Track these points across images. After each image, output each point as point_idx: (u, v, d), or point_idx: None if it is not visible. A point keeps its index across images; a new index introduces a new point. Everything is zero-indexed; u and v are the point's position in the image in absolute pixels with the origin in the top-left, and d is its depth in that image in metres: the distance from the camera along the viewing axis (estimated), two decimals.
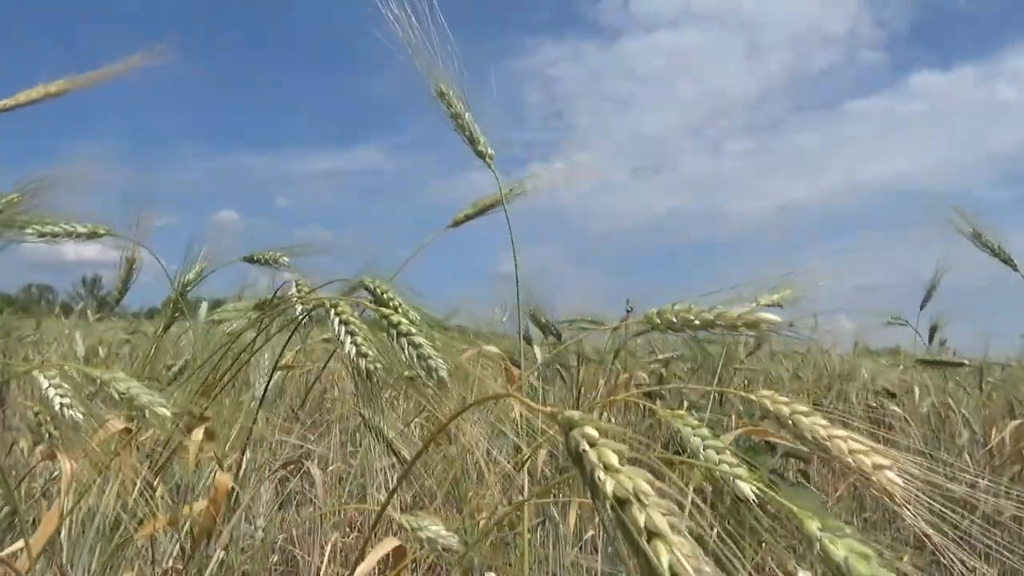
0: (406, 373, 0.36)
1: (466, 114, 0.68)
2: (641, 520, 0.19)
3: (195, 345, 0.70)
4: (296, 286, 0.49)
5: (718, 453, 0.36)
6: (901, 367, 1.83)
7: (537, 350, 1.10)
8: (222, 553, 0.83)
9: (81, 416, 0.37)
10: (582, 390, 1.49)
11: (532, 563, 1.13)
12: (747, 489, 0.34)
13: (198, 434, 0.53)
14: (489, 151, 0.69)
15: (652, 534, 0.18)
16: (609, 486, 0.20)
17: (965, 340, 1.53)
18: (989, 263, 1.02)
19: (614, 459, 0.20)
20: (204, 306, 1.14)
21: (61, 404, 0.37)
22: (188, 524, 0.60)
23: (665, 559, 0.18)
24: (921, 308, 1.45)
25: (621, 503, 0.19)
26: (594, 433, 0.21)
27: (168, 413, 0.38)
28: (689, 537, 0.18)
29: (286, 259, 0.70)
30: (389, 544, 0.54)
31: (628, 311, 1.38)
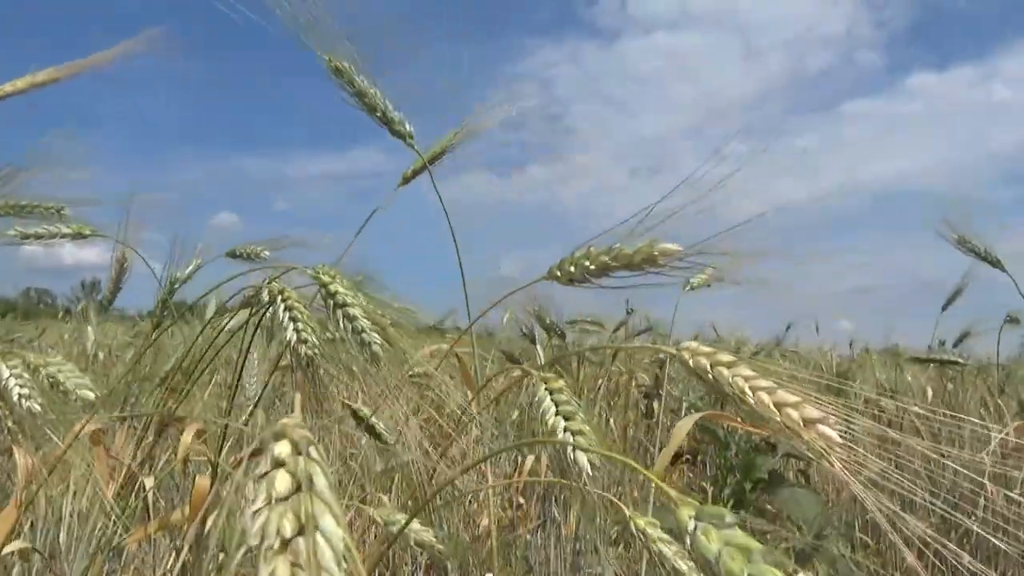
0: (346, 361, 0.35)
1: (372, 90, 0.59)
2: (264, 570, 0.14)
3: (185, 344, 0.69)
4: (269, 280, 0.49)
5: (567, 420, 0.32)
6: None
7: (540, 351, 1.10)
8: (221, 556, 0.83)
9: (39, 407, 0.36)
10: (583, 390, 1.49)
11: (534, 563, 1.13)
12: (583, 460, 0.30)
13: (188, 435, 0.53)
14: (408, 129, 0.61)
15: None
16: (259, 521, 0.15)
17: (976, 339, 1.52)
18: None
19: (286, 484, 0.16)
20: (212, 305, 1.13)
21: (19, 395, 0.36)
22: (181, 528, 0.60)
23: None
24: (943, 310, 1.46)
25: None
26: (283, 449, 0.16)
27: (92, 396, 0.37)
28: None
29: (266, 253, 0.69)
30: None
31: (628, 312, 1.38)
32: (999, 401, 1.46)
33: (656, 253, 0.32)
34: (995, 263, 1.03)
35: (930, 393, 1.60)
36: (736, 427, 1.18)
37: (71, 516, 0.63)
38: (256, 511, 0.15)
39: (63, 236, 0.59)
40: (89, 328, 1.57)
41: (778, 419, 0.27)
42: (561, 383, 0.35)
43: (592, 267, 0.35)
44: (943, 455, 0.29)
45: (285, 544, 0.14)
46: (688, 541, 0.20)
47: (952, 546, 0.25)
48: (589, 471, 0.31)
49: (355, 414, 0.74)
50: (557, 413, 0.33)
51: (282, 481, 0.16)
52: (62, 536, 0.65)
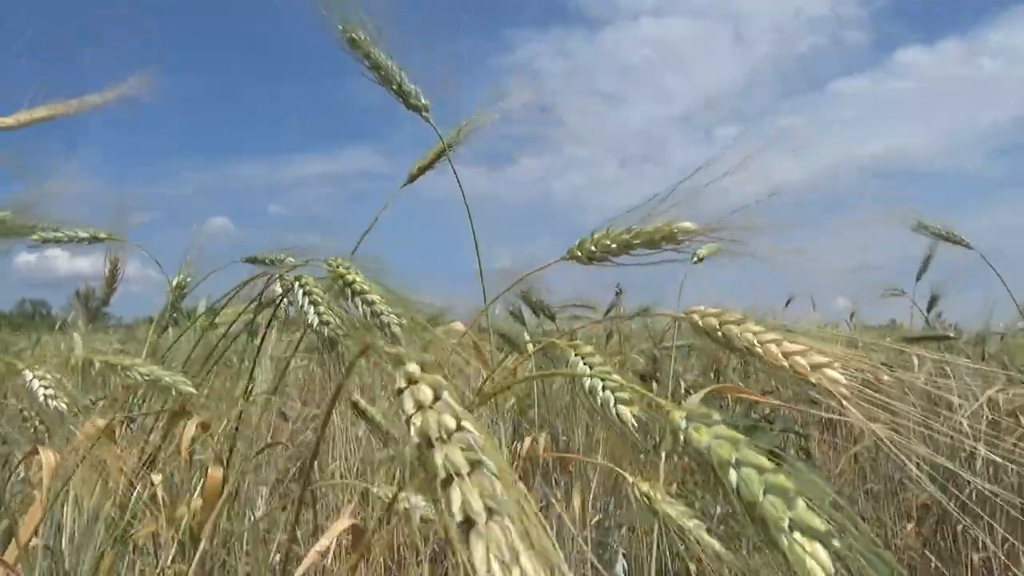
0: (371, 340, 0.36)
1: (389, 63, 0.59)
2: (439, 459, 0.17)
3: (190, 343, 0.70)
4: (278, 273, 0.49)
5: (603, 380, 0.34)
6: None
7: (525, 332, 1.09)
8: (224, 554, 0.83)
9: (65, 406, 0.37)
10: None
11: None
12: (627, 413, 0.32)
13: (191, 428, 0.53)
14: (423, 102, 0.61)
15: (450, 474, 0.17)
16: (415, 425, 0.18)
17: (963, 311, 1.53)
18: (986, 236, 1.04)
19: (428, 396, 0.19)
20: (202, 304, 1.13)
21: (45, 395, 0.37)
22: (186, 522, 0.60)
23: (456, 500, 0.16)
24: (917, 279, 1.45)
25: (427, 442, 0.18)
26: (415, 370, 0.20)
27: (193, 389, 0.39)
28: (496, 473, 0.17)
29: (291, 260, 0.69)
30: (343, 524, 0.52)
31: (617, 294, 1.39)
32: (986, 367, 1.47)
33: (675, 231, 0.34)
34: (959, 241, 1.05)
35: (916, 361, 1.62)
36: (736, 401, 1.18)
37: (74, 519, 0.63)
38: (408, 414, 0.19)
39: (80, 240, 0.61)
40: (76, 335, 1.57)
41: (787, 366, 0.28)
42: (590, 348, 0.36)
43: (613, 245, 0.37)
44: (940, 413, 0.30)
45: (441, 435, 0.18)
46: (681, 438, 0.23)
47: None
48: (634, 423, 0.32)
49: (357, 407, 0.74)
50: (592, 375, 0.35)
51: (428, 393, 0.19)
52: (69, 534, 0.65)
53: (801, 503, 0.19)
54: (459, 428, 0.18)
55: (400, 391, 0.19)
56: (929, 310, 1.46)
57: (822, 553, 0.19)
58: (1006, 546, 1.12)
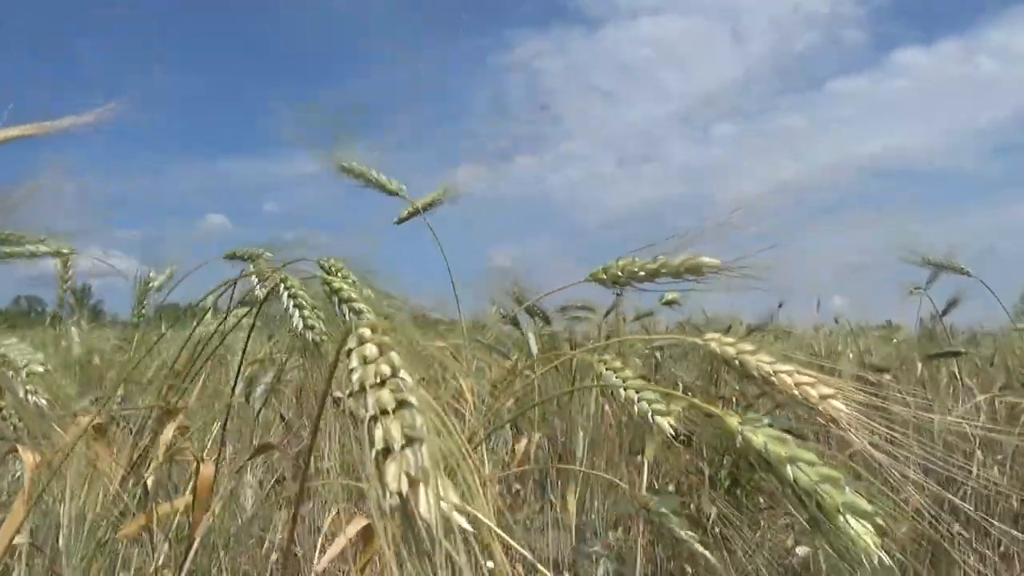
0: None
1: (371, 172, 0.73)
2: (371, 401, 0.18)
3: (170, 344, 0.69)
4: (254, 267, 0.49)
5: (638, 392, 0.36)
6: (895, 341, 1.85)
7: (531, 337, 1.09)
8: (221, 553, 0.82)
9: (45, 403, 0.36)
10: (576, 376, 1.49)
11: (536, 548, 1.13)
12: (664, 424, 0.35)
13: (169, 431, 0.52)
14: (400, 187, 0.75)
15: (380, 412, 0.18)
16: (356, 375, 0.19)
17: (961, 313, 1.54)
18: (985, 235, 1.04)
19: (373, 351, 0.20)
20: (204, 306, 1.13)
21: (26, 391, 0.36)
22: (175, 522, 0.60)
23: (379, 433, 0.17)
24: (928, 284, 1.46)
25: (363, 390, 0.19)
26: (366, 332, 0.21)
27: (41, 369, 0.37)
28: (422, 411, 0.18)
29: (269, 255, 0.68)
30: (359, 523, 0.53)
31: (617, 295, 1.38)
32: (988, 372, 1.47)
33: (700, 265, 0.38)
34: (960, 270, 1.06)
35: (919, 367, 1.61)
36: (730, 404, 1.19)
37: (67, 517, 0.63)
38: (352, 367, 0.20)
39: (44, 254, 0.60)
40: (74, 330, 1.55)
41: (798, 395, 0.32)
42: (620, 363, 0.40)
43: (641, 273, 0.40)
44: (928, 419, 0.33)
45: (379, 380, 0.19)
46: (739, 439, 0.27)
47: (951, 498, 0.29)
48: (671, 432, 0.35)
49: (337, 404, 0.74)
50: (626, 388, 0.38)
51: (374, 349, 0.20)
52: (61, 532, 0.64)
53: (848, 490, 0.24)
54: (393, 375, 0.19)
55: (349, 352, 0.20)
56: (945, 313, 1.47)
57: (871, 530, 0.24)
58: (1001, 547, 1.12)
